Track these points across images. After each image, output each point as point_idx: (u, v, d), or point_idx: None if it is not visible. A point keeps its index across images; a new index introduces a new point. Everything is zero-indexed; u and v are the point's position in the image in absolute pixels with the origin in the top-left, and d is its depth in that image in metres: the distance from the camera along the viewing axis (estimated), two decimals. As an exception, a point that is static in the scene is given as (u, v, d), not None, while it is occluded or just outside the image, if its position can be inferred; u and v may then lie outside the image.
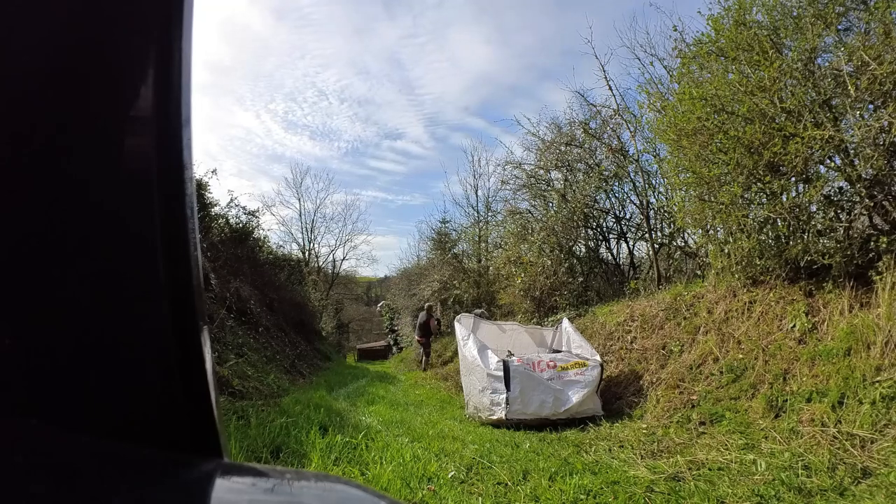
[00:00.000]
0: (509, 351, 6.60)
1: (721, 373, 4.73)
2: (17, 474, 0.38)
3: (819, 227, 4.46)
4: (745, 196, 4.91)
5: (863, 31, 4.19)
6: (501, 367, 5.44)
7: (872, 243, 4.03)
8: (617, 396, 5.78)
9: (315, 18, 54.83)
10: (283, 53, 56.43)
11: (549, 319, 9.24)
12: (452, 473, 3.39)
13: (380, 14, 58.57)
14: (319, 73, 61.62)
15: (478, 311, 8.25)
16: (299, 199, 32.05)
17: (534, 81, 55.33)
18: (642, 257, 10.79)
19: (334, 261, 33.07)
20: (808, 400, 3.74)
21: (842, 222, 4.32)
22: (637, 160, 9.71)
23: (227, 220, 11.35)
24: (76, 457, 0.43)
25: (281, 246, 21.63)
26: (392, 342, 24.74)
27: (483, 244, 17.62)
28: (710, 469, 3.37)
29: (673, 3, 19.14)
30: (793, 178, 4.58)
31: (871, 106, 4.16)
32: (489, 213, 18.21)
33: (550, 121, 13.34)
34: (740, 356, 4.69)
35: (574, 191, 10.93)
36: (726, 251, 5.23)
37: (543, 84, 52.59)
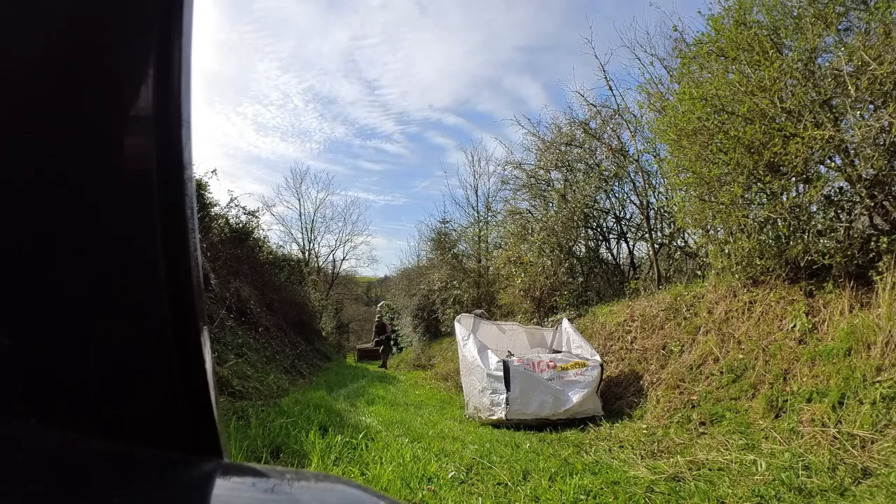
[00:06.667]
0: (509, 351, 6.59)
1: (721, 373, 4.73)
2: (17, 474, 0.37)
3: (819, 227, 4.44)
4: (746, 196, 4.90)
5: (863, 31, 4.18)
6: (501, 368, 5.43)
7: (873, 243, 4.02)
8: (617, 397, 5.77)
9: (267, 22, 54.56)
10: (242, 57, 56.17)
11: (549, 319, 9.23)
12: (452, 474, 3.38)
13: (327, 17, 58.78)
14: (280, 76, 60.44)
15: (477, 311, 8.23)
16: (299, 200, 32.04)
17: (495, 76, 56.36)
18: (642, 257, 10.77)
19: (334, 261, 33.07)
20: (809, 400, 3.73)
21: (842, 222, 4.31)
22: (637, 160, 9.69)
23: (227, 220, 11.27)
24: (76, 457, 0.43)
25: (281, 246, 21.57)
26: (392, 342, 24.65)
27: (483, 244, 17.59)
28: (710, 469, 3.36)
29: (673, 3, 19.14)
30: (793, 179, 4.57)
31: (871, 106, 4.14)
32: (489, 213, 18.18)
33: (551, 121, 13.32)
34: (740, 356, 4.68)
35: (574, 191, 10.91)
36: (726, 251, 5.22)
37: (507, 78, 53.79)
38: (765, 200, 4.81)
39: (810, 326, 4.27)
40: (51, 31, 0.44)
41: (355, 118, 61.46)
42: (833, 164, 4.42)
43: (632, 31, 20.25)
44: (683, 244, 8.81)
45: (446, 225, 20.24)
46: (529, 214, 12.71)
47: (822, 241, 4.37)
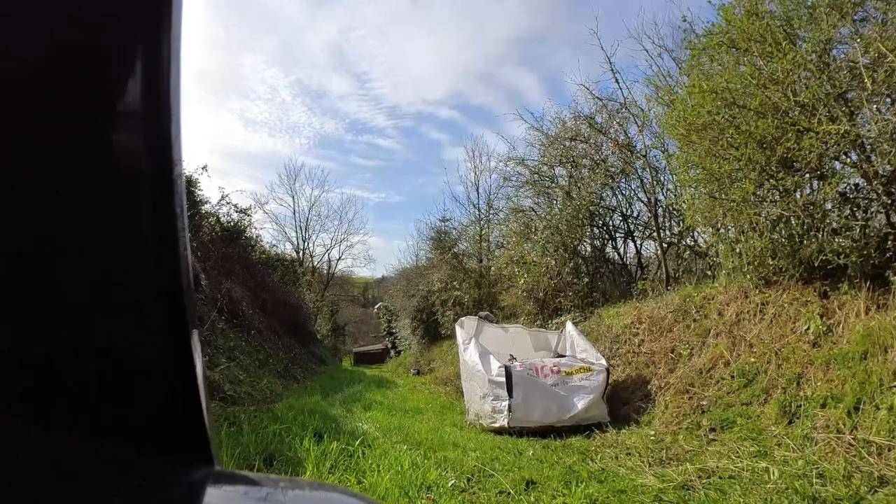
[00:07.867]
0: (511, 355, 6.45)
1: (732, 377, 4.64)
2: (17, 474, 0.39)
3: (834, 225, 4.35)
4: (758, 193, 4.82)
5: (880, 21, 4.09)
6: (503, 373, 5.32)
7: (890, 242, 3.92)
8: (624, 402, 5.69)
9: (252, 14, 54.37)
10: (228, 51, 55.91)
11: (554, 322, 9.13)
12: (453, 482, 3.33)
13: (315, 9, 58.89)
14: (266, 70, 59.83)
15: (482, 313, 8.16)
16: (293, 197, 31.90)
17: (489, 69, 56.72)
18: (650, 257, 10.61)
19: (329, 261, 32.97)
20: (823, 405, 3.66)
21: (858, 220, 4.21)
22: (645, 156, 9.56)
23: (218, 218, 11.18)
24: (75, 457, 0.43)
25: (274, 245, 21.66)
26: (390, 345, 24.56)
27: (484, 243, 17.46)
28: (720, 477, 3.30)
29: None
30: (807, 175, 4.49)
31: (888, 99, 4.06)
32: (491, 211, 18.01)
33: (554, 115, 13.09)
34: (752, 360, 4.59)
35: (579, 188, 10.73)
36: (738, 250, 5.13)
37: (502, 70, 54.33)
38: (777, 198, 4.72)
39: (825, 329, 4.18)
40: (51, 31, 0.44)
41: (346, 112, 61.31)
42: (848, 160, 4.34)
43: (639, 20, 19.89)
44: (693, 243, 8.73)
45: (446, 223, 19.99)
46: (533, 212, 12.56)
47: (836, 240, 4.28)
